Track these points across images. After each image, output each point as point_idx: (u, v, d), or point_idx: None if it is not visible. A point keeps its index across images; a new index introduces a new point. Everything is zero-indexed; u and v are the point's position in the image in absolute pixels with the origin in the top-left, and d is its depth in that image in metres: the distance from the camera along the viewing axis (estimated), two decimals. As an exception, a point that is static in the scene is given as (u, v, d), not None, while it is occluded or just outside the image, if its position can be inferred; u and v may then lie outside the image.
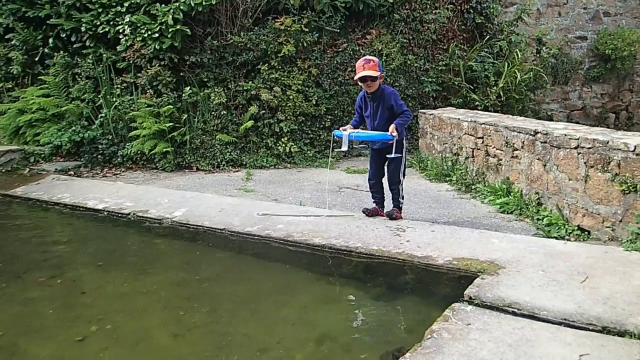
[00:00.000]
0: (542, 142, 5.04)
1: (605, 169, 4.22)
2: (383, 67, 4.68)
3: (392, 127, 4.47)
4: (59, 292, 3.80)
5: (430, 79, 8.73)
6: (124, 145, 7.64)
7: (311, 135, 8.29)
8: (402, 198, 4.84)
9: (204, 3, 7.47)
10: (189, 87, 7.70)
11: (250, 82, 7.96)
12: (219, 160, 7.63)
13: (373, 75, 4.48)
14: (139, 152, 7.50)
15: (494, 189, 5.75)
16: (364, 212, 4.91)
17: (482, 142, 6.19)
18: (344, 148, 4.58)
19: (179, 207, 5.39)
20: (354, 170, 7.33)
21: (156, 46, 7.53)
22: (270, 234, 4.57)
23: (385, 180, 4.88)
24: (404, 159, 4.76)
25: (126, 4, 7.82)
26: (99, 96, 7.87)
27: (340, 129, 4.70)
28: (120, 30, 7.75)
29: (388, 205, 4.90)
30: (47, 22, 8.30)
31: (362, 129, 4.81)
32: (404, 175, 4.80)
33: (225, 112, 7.85)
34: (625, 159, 4.05)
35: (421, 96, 8.82)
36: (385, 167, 4.83)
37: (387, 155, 4.59)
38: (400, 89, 8.57)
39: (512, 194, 5.48)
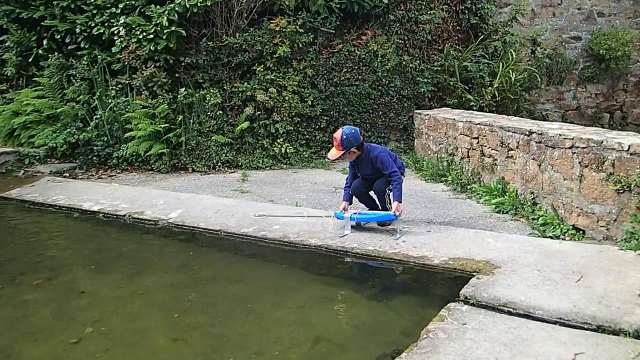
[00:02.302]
0: (537, 142, 5.06)
1: (600, 168, 4.24)
2: (358, 134, 4.61)
3: (395, 205, 4.44)
4: (54, 294, 3.79)
5: (425, 80, 8.75)
6: (120, 146, 7.61)
7: (307, 136, 8.29)
8: (390, 204, 4.75)
9: (199, 4, 7.46)
10: (184, 89, 7.69)
11: (245, 83, 7.96)
12: (214, 161, 7.62)
13: (337, 158, 4.57)
14: (134, 153, 7.48)
15: (489, 189, 5.76)
16: (358, 224, 4.75)
17: (478, 142, 6.21)
18: (347, 232, 4.48)
19: (174, 208, 5.38)
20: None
21: (151, 47, 7.52)
22: (266, 234, 4.57)
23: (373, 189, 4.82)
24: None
25: (121, 6, 7.80)
26: (94, 98, 7.85)
27: (340, 207, 4.69)
28: (115, 32, 7.73)
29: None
30: (42, 23, 8.27)
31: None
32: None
33: (220, 113, 7.84)
34: (619, 159, 4.07)
35: (416, 97, 8.84)
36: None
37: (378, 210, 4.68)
38: (395, 89, 8.59)
39: (507, 193, 5.50)
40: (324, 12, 8.20)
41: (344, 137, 4.50)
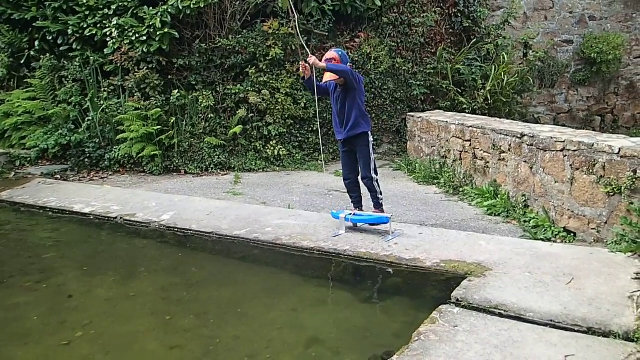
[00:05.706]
0: (528, 145, 5.09)
1: (591, 171, 4.27)
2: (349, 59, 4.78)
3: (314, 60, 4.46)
4: (44, 297, 3.76)
5: (418, 82, 8.78)
6: (112, 148, 7.59)
7: (300, 139, 8.29)
8: (381, 194, 4.77)
9: (192, 6, 7.45)
10: (177, 90, 7.67)
11: (238, 85, 7.95)
12: (207, 163, 7.61)
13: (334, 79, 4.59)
14: (126, 155, 7.46)
15: (481, 192, 5.78)
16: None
17: (470, 144, 6.23)
18: (342, 232, 4.50)
19: (166, 210, 5.36)
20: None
21: (144, 49, 7.50)
22: (258, 237, 4.56)
23: (360, 179, 4.82)
24: (372, 154, 4.68)
25: (114, 7, 7.77)
26: (86, 99, 7.81)
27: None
28: (108, 33, 7.70)
29: (368, 207, 4.84)
30: (34, 24, 8.22)
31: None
32: (376, 172, 4.72)
33: (213, 115, 7.83)
34: (610, 162, 4.10)
35: (409, 99, 8.86)
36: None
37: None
38: (388, 92, 8.61)
39: (499, 196, 5.52)
40: (317, 15, 8.21)
41: (340, 53, 4.63)
